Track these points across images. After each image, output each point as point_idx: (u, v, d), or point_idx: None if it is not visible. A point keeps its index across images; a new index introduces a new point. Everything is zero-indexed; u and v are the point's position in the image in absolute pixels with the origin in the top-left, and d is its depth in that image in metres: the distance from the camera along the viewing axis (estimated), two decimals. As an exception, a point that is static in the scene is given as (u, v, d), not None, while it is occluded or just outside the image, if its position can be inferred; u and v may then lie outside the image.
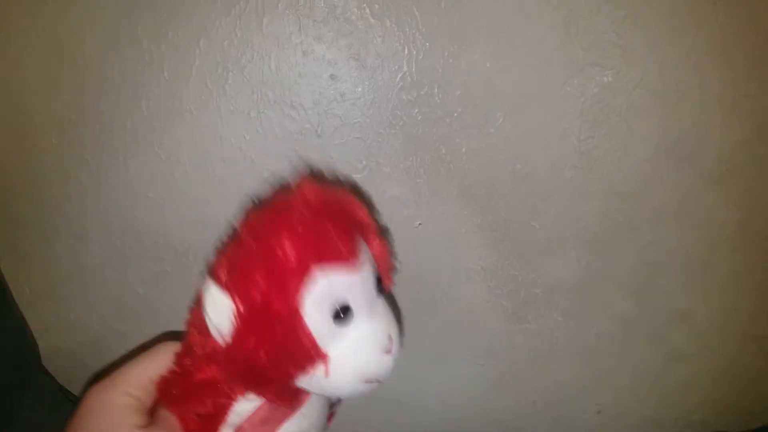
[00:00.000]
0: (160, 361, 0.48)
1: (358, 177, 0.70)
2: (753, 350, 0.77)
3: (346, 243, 0.43)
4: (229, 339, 0.42)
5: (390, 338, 0.46)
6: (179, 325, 0.72)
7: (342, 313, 0.43)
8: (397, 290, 0.73)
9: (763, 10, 0.67)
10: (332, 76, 0.67)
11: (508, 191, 0.71)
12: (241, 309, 0.41)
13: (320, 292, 0.41)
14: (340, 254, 0.42)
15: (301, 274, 0.41)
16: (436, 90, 0.68)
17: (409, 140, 0.69)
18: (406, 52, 0.67)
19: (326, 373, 0.43)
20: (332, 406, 0.55)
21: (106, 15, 0.65)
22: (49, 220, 0.70)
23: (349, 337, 0.43)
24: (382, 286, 0.47)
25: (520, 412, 0.79)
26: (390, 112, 0.68)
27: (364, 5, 0.66)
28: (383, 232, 0.54)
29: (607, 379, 0.78)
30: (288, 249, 0.40)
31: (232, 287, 0.41)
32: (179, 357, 0.48)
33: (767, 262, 0.75)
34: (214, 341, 0.43)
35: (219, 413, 0.45)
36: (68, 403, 0.69)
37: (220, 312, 0.42)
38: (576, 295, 0.75)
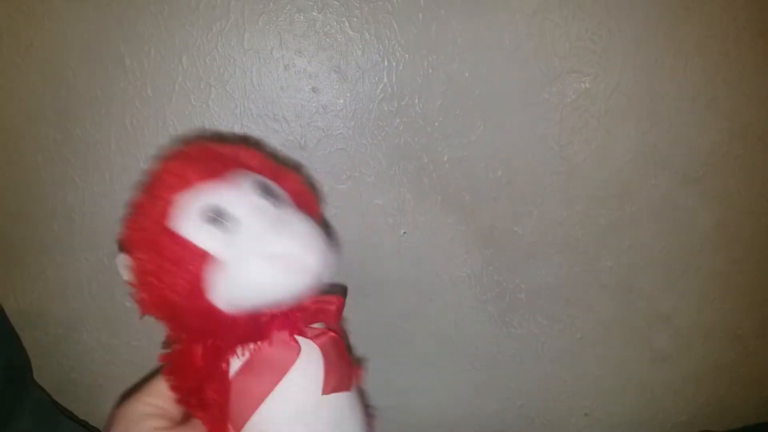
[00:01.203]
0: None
1: (342, 187, 0.71)
2: (736, 349, 0.78)
3: (206, 164, 0.46)
4: (140, 295, 0.45)
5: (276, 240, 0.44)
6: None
7: (217, 218, 0.43)
8: (383, 298, 0.74)
9: (734, 15, 0.68)
10: (314, 89, 0.68)
11: (491, 198, 0.72)
12: (131, 254, 0.44)
13: (186, 204, 0.43)
14: (201, 173, 0.45)
15: (168, 192, 0.44)
16: (416, 100, 0.69)
17: (391, 150, 0.70)
18: (386, 63, 0.68)
19: (227, 278, 0.43)
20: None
21: (89, 34, 0.66)
22: (36, 237, 0.70)
23: (236, 241, 0.43)
24: (276, 198, 0.46)
25: (507, 416, 0.79)
26: (372, 122, 0.69)
27: (343, 18, 0.67)
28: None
29: (593, 381, 0.79)
30: (153, 182, 0.45)
31: (123, 244, 0.45)
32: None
33: (747, 262, 0.76)
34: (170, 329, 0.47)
35: (224, 380, 0.46)
36: (61, 415, 0.69)
37: (127, 270, 0.45)
38: (560, 298, 0.76)
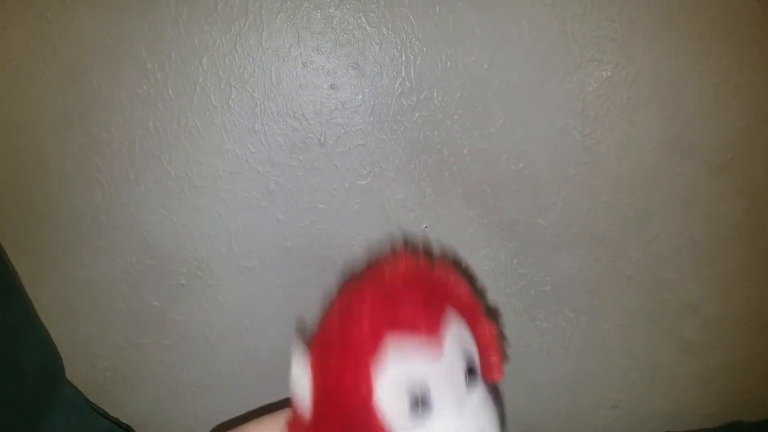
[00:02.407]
0: (279, 425, 0.45)
1: (362, 183, 0.71)
2: (766, 338, 0.77)
3: (425, 314, 0.38)
4: (309, 416, 0.39)
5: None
6: (196, 338, 0.74)
7: (421, 403, 0.36)
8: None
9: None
10: (332, 86, 0.69)
11: (513, 190, 0.72)
12: (317, 392, 0.38)
13: (395, 371, 0.36)
14: (416, 325, 0.37)
15: (373, 347, 0.36)
16: (435, 94, 0.69)
17: (411, 144, 0.70)
18: (403, 58, 0.68)
19: None
20: None
21: (110, 39, 0.67)
22: (65, 239, 0.72)
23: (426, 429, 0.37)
24: (474, 377, 0.39)
25: (534, 409, 0.79)
26: (391, 117, 0.69)
27: (360, 14, 0.67)
28: (492, 316, 0.47)
29: (621, 373, 0.78)
30: (364, 322, 0.37)
31: (312, 367, 0.38)
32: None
33: (777, 250, 0.74)
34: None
35: None
36: (93, 413, 0.71)
37: (302, 389, 0.39)
38: (586, 291, 0.75)
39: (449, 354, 0.38)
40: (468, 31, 0.67)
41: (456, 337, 0.38)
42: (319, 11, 0.67)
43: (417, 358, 0.36)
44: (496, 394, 0.42)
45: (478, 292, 0.45)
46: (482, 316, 0.42)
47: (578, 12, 0.67)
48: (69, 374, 0.72)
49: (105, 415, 0.73)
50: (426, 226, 0.72)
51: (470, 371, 0.38)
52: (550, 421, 0.79)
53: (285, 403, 0.43)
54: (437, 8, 0.67)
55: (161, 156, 0.70)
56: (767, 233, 0.73)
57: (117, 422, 0.74)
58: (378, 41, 0.68)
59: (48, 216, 0.71)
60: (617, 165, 0.71)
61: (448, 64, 0.68)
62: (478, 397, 0.39)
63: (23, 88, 0.68)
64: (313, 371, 0.38)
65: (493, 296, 0.75)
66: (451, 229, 0.73)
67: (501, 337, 0.43)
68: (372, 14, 0.67)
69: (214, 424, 0.65)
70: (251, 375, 0.76)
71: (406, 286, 0.39)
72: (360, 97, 0.69)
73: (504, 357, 0.42)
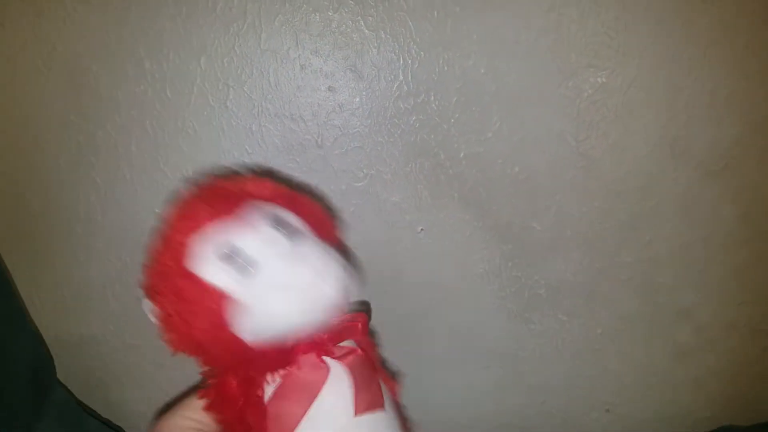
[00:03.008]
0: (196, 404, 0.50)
1: (359, 185, 0.71)
2: (759, 344, 0.77)
3: (216, 203, 0.46)
4: (168, 335, 0.45)
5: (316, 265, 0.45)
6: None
7: (232, 256, 0.43)
8: (401, 295, 0.74)
9: (753, 7, 0.67)
10: (330, 88, 0.69)
11: (508, 194, 0.72)
12: (153, 299, 0.44)
13: (200, 245, 0.43)
14: (212, 212, 0.45)
15: (181, 237, 0.44)
16: (432, 97, 0.69)
17: (408, 147, 0.70)
18: (401, 61, 0.68)
19: (245, 308, 0.43)
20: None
21: (109, 38, 0.67)
22: (59, 239, 0.72)
23: (258, 278, 0.43)
24: (291, 230, 0.46)
25: (528, 412, 0.79)
26: (388, 120, 0.70)
27: (359, 18, 0.67)
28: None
29: (614, 377, 0.78)
30: (166, 227, 0.45)
31: (145, 289, 0.45)
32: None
33: (770, 256, 0.75)
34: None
35: (260, 407, 0.46)
36: (85, 414, 0.70)
37: (152, 313, 0.45)
38: (580, 294, 0.75)
39: (249, 219, 0.45)
40: (465, 36, 0.68)
41: (256, 210, 0.46)
42: (317, 14, 0.67)
43: (218, 230, 0.44)
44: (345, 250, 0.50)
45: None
46: (299, 197, 0.50)
47: (575, 18, 0.67)
48: (61, 375, 0.72)
49: (96, 417, 0.73)
50: (422, 229, 0.73)
51: (280, 224, 0.45)
52: (543, 424, 0.80)
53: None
54: (435, 12, 0.67)
55: (157, 156, 0.70)
56: (761, 239, 0.74)
57: (108, 423, 0.73)
58: (376, 44, 0.68)
59: (43, 215, 0.71)
60: (612, 170, 0.72)
61: (446, 68, 0.69)
62: (309, 246, 0.46)
63: (21, 85, 0.68)
64: (146, 292, 0.45)
65: (488, 299, 0.75)
66: (446, 232, 0.73)
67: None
68: (370, 18, 0.67)
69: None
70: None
71: (205, 193, 0.48)
72: (357, 99, 0.69)
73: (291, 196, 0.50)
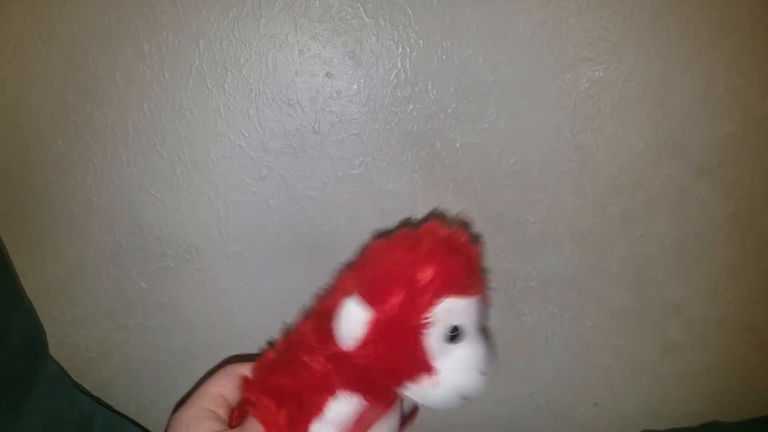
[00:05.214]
0: (227, 380, 0.54)
1: (354, 172, 0.71)
2: (747, 341, 0.78)
3: (471, 277, 0.51)
4: (356, 345, 0.48)
5: (486, 360, 0.51)
6: (182, 319, 0.74)
7: (453, 334, 0.48)
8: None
9: (749, 5, 0.68)
10: (328, 74, 0.69)
11: (503, 185, 0.73)
12: (378, 321, 0.47)
13: (443, 314, 0.48)
14: (466, 287, 0.49)
15: (433, 297, 0.47)
16: (430, 86, 0.70)
17: (404, 136, 0.71)
18: (400, 49, 0.69)
19: (434, 385, 0.49)
20: (411, 414, 0.58)
21: (109, 19, 0.67)
22: (55, 218, 0.72)
23: (454, 355, 0.49)
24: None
25: (516, 404, 0.79)
26: (385, 108, 0.70)
27: (358, 4, 0.67)
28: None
29: (604, 371, 0.79)
30: (428, 275, 0.47)
31: (372, 302, 0.47)
32: (279, 350, 0.54)
33: (760, 253, 0.75)
34: (334, 345, 0.49)
35: (316, 407, 0.49)
36: (75, 390, 0.70)
37: (355, 323, 0.47)
38: (571, 288, 0.76)
39: (476, 305, 0.51)
40: (464, 26, 0.68)
41: (480, 294, 0.52)
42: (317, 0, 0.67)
43: (459, 303, 0.49)
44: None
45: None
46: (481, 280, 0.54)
47: (574, 11, 0.68)
48: (53, 353, 0.72)
49: (87, 394, 0.73)
50: (416, 218, 0.73)
51: (483, 313, 0.52)
52: (531, 415, 0.80)
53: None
54: (435, 1, 0.67)
55: (154, 138, 0.70)
56: (752, 236, 0.74)
57: (98, 401, 0.74)
58: (375, 32, 0.68)
59: (39, 194, 0.71)
60: (606, 164, 0.72)
61: (444, 57, 0.69)
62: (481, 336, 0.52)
63: (20, 65, 0.68)
64: (372, 306, 0.47)
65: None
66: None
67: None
68: (370, 5, 0.67)
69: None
70: (236, 360, 0.76)
71: (454, 251, 0.51)
72: (355, 86, 0.69)
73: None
